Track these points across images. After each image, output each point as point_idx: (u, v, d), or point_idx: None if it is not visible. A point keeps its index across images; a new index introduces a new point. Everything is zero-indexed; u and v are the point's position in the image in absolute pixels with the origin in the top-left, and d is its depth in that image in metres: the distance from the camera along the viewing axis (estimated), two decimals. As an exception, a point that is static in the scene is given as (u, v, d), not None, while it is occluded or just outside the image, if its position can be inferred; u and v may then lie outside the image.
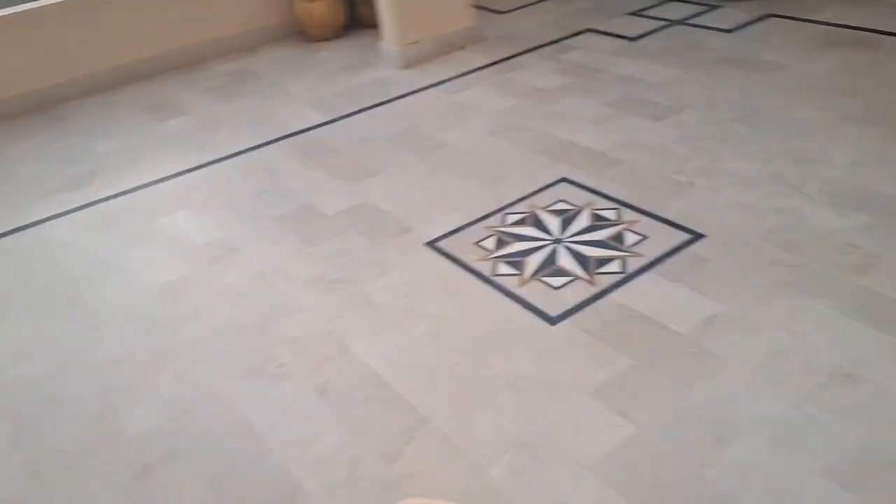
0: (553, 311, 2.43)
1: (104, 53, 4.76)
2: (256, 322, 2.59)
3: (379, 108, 4.16)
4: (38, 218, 3.43)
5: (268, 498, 1.91)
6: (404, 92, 4.31)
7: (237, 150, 3.88)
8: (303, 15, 5.16)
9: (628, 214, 2.88)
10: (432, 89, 4.30)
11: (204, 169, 3.74)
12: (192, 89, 4.70)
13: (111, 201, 3.52)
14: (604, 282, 2.53)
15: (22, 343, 2.64)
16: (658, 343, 2.24)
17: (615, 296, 2.46)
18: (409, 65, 4.61)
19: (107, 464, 2.08)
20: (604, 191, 3.06)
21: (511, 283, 2.59)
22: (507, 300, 2.52)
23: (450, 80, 4.38)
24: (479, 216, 3.02)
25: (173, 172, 3.72)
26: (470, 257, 2.77)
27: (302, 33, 5.33)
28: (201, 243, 3.10)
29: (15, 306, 2.85)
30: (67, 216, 3.42)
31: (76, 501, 1.98)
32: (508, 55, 4.57)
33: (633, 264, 2.60)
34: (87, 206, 3.49)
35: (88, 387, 2.38)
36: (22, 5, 4.51)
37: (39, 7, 4.54)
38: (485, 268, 2.70)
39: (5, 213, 3.50)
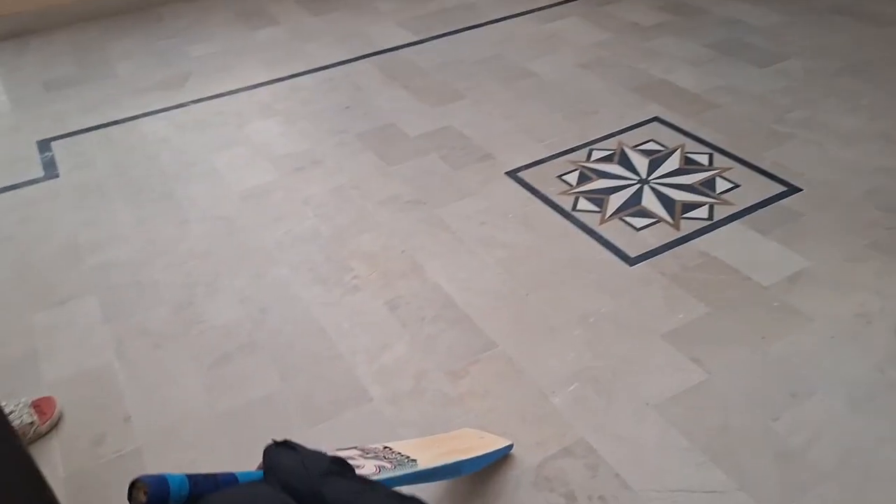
0: (632, 252, 2.38)
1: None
2: (333, 234, 2.63)
3: (469, 32, 4.08)
4: (134, 113, 3.53)
5: (335, 397, 1.97)
6: (495, 17, 4.20)
7: (325, 63, 3.88)
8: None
9: (721, 161, 2.78)
10: (524, 16, 4.18)
11: (292, 80, 3.76)
12: (283, 2, 4.70)
13: (202, 104, 3.59)
14: (688, 227, 2.46)
15: (116, 228, 2.76)
16: (739, 293, 2.18)
17: (699, 242, 2.39)
18: (503, -10, 4.48)
19: (188, 348, 2.18)
20: (698, 134, 2.95)
21: (591, 220, 2.55)
22: (585, 236, 2.48)
23: (543, 8, 4.24)
24: (563, 149, 2.96)
25: (262, 81, 3.76)
26: (550, 190, 2.73)
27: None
28: (285, 153, 3.14)
29: (112, 193, 2.97)
30: (161, 114, 3.51)
31: (159, 378, 2.09)
32: (608, -14, 4.39)
33: (722, 212, 2.51)
34: (179, 106, 3.57)
35: (174, 276, 2.48)
36: None
37: None
38: (565, 202, 2.66)
39: (106, 106, 3.61)
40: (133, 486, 0.97)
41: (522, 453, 1.78)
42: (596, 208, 2.61)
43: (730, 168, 2.73)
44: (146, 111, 3.54)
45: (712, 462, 1.71)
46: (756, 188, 2.61)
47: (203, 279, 2.46)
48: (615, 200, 2.64)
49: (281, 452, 1.15)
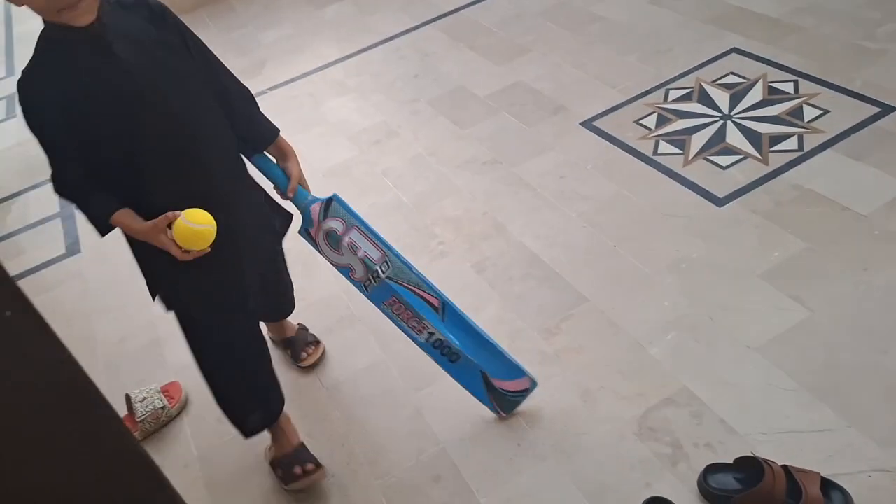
0: (720, 192, 2.32)
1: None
2: (416, 202, 2.68)
3: (530, -17, 3.99)
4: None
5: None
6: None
7: (391, 34, 3.90)
8: None
9: (808, 87, 2.65)
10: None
11: (361, 54, 3.80)
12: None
13: (280, 88, 3.68)
14: (778, 160, 2.38)
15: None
16: (837, 225, 2.10)
17: (790, 175, 2.31)
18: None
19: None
20: (780, 61, 2.81)
21: (674, 163, 2.50)
22: (669, 180, 2.44)
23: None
24: (638, 93, 2.89)
25: (333, 59, 3.82)
26: (629, 136, 2.68)
27: None
28: (361, 127, 3.20)
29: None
30: (239, 103, 3.63)
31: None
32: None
33: (812, 141, 2.41)
34: (258, 93, 3.67)
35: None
36: None
37: None
38: (645, 147, 2.61)
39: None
40: None
41: (623, 406, 1.80)
42: (678, 150, 2.55)
43: (817, 94, 2.60)
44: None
45: (820, 401, 1.68)
46: (848, 112, 2.48)
47: (298, 258, 2.55)
48: (698, 140, 2.57)
49: None
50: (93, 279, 2.75)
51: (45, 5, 1.26)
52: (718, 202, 2.29)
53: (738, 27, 3.08)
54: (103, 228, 1.44)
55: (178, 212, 1.37)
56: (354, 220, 1.74)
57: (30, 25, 5.29)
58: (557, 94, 3.03)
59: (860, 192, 2.17)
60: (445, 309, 1.76)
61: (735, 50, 2.95)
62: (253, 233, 1.67)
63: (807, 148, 2.39)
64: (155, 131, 1.40)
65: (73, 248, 2.95)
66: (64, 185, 1.42)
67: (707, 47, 3.02)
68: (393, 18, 4.04)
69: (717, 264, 2.09)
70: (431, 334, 1.75)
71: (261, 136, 1.68)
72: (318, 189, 2.85)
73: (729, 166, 2.41)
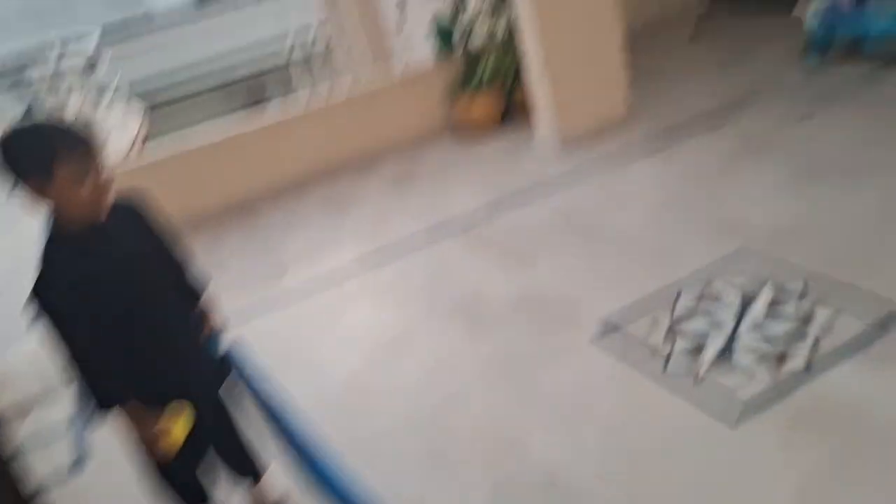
0: (734, 410, 2.28)
1: (294, 161, 5.31)
2: (431, 414, 2.65)
3: (538, 196, 4.24)
4: (237, 312, 3.77)
5: None
6: (562, 178, 4.36)
7: (407, 243, 4.09)
8: (463, 114, 5.44)
9: (817, 291, 2.68)
10: (591, 173, 4.32)
11: (379, 262, 3.96)
12: (366, 187, 5.06)
13: (300, 295, 3.81)
14: (794, 366, 2.36)
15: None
16: (863, 435, 2.04)
17: (809, 383, 2.28)
18: (565, 152, 4.68)
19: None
20: (787, 266, 2.88)
21: (686, 380, 2.48)
22: (684, 394, 2.41)
23: (608, 162, 4.39)
24: (649, 300, 2.95)
25: (352, 265, 3.98)
26: (639, 348, 2.69)
27: (462, 130, 5.61)
28: (378, 333, 3.26)
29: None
30: (262, 310, 3.74)
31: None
32: (667, 133, 4.52)
33: (827, 346, 2.41)
34: (278, 301, 3.81)
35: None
36: (228, 132, 5.20)
37: (243, 131, 5.21)
38: (656, 360, 2.61)
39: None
40: None
41: None
42: (691, 361, 2.54)
43: (827, 297, 2.63)
44: (248, 309, 3.78)
45: None
46: (861, 316, 2.49)
47: (309, 477, 2.50)
48: (710, 349, 2.57)
49: None
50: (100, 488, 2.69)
51: (80, 205, 1.67)
52: (735, 418, 2.24)
53: (744, 232, 3.20)
54: (105, 408, 1.77)
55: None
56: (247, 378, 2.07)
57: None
58: (569, 303, 3.10)
59: (883, 399, 2.13)
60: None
61: (740, 255, 3.05)
62: (201, 378, 2.02)
63: (823, 353, 2.37)
64: (129, 304, 1.79)
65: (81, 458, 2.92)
66: (76, 362, 1.72)
67: (713, 254, 3.11)
68: (410, 226, 4.26)
69: (739, 488, 2.01)
70: None
71: (193, 296, 2.07)
72: (336, 402, 2.86)
73: (744, 374, 2.39)
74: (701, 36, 6.33)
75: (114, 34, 14.07)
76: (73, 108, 7.38)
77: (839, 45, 4.90)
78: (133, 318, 1.81)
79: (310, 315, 3.60)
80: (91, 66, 6.82)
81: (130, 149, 5.60)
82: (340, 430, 2.71)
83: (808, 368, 2.35)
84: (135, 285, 1.81)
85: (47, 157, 1.63)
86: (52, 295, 1.67)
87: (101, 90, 7.30)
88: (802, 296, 2.68)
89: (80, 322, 1.70)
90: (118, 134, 5.85)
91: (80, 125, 1.69)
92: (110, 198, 1.73)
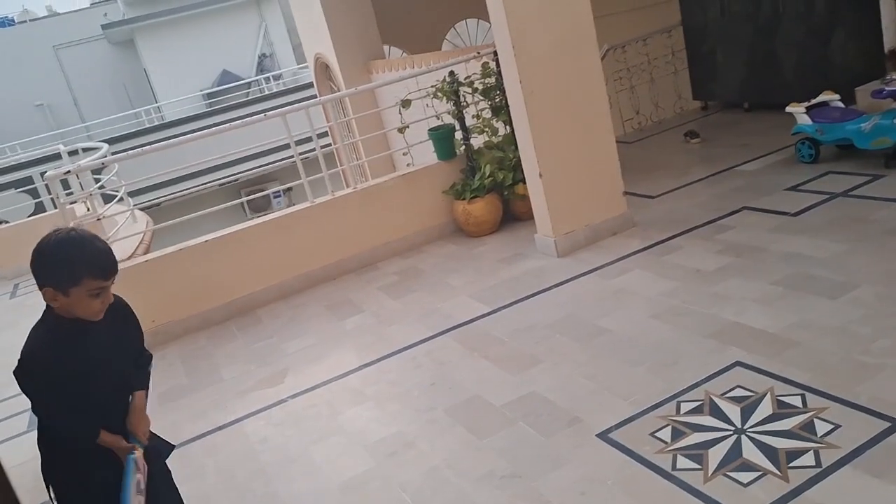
0: (749, 501, 2.27)
1: (292, 263, 5.36)
2: (434, 521, 2.61)
3: (537, 297, 4.31)
4: (237, 416, 3.75)
5: None
6: (561, 279, 4.45)
7: (408, 343, 4.11)
8: (462, 215, 5.58)
9: (815, 401, 2.72)
10: (589, 276, 4.42)
11: (379, 363, 3.98)
12: (366, 289, 5.12)
13: (299, 397, 3.80)
14: (798, 477, 2.36)
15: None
16: (871, 549, 2.02)
17: (813, 494, 2.28)
18: (564, 253, 4.79)
19: None
20: (784, 375, 2.92)
21: (694, 479, 2.48)
22: (692, 498, 2.40)
23: (606, 265, 4.49)
24: (650, 405, 2.96)
25: (352, 368, 3.99)
26: (646, 450, 2.69)
27: (462, 231, 5.74)
28: (378, 437, 3.24)
29: (219, 502, 3.07)
30: (262, 413, 3.72)
31: None
32: (663, 238, 4.64)
33: (829, 457, 2.41)
34: (278, 403, 3.79)
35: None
36: (229, 229, 5.29)
37: (243, 229, 5.30)
38: (663, 461, 2.61)
39: (213, 411, 3.87)
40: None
41: None
42: (697, 465, 2.54)
43: (826, 408, 2.66)
44: (248, 412, 3.76)
45: None
46: (859, 427, 2.52)
47: None
48: (715, 455, 2.57)
49: None
50: None
51: (96, 311, 1.99)
52: (744, 522, 2.23)
53: (739, 341, 3.25)
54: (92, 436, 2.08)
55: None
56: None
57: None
58: (571, 405, 3.11)
59: (888, 513, 2.13)
60: None
61: (739, 363, 3.09)
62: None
63: (825, 464, 2.39)
64: (110, 387, 2.14)
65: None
66: (68, 424, 2.05)
67: (712, 360, 3.16)
68: (410, 329, 4.29)
69: None
70: None
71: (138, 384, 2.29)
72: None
73: (750, 483, 2.39)
74: (696, 135, 6.58)
75: (124, 140, 14.54)
76: (79, 209, 7.53)
77: (830, 143, 5.11)
78: (114, 388, 2.16)
79: (308, 418, 3.58)
80: (99, 169, 7.03)
81: (134, 252, 5.68)
82: (341, 536, 2.66)
83: (818, 464, 2.36)
84: (121, 365, 2.17)
85: (73, 278, 1.91)
86: (47, 371, 1.96)
87: (108, 193, 7.49)
88: (801, 410, 2.70)
89: (69, 395, 1.98)
90: (124, 237, 5.94)
91: (107, 250, 1.98)
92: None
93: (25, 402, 4.93)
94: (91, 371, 2.03)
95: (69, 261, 1.92)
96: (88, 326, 2.02)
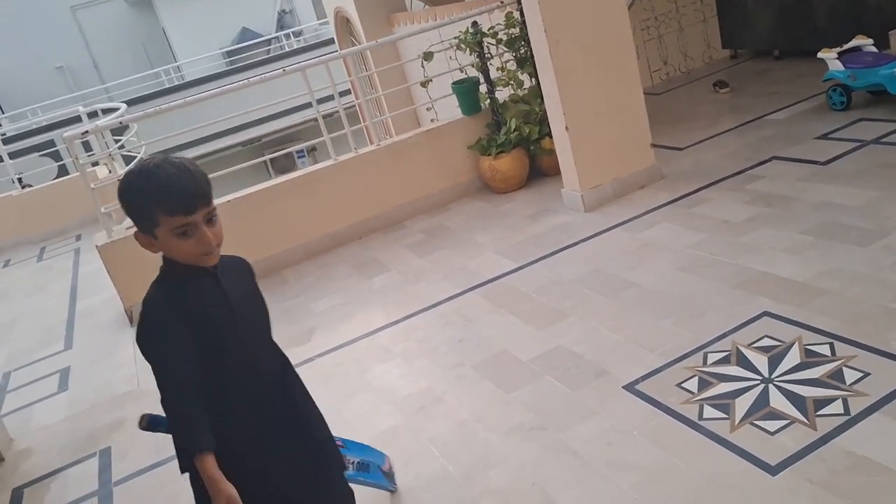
0: (772, 460, 2.29)
1: (317, 223, 5.39)
2: (462, 473, 2.67)
3: (565, 252, 4.30)
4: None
5: None
6: (588, 234, 4.43)
7: (435, 301, 4.15)
8: (488, 171, 5.55)
9: (844, 349, 2.71)
10: (616, 230, 4.39)
11: (407, 321, 4.02)
12: (393, 247, 5.15)
13: (328, 355, 3.87)
14: (826, 425, 2.36)
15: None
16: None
17: (841, 441, 2.28)
18: (591, 208, 4.76)
19: None
20: (813, 324, 2.90)
21: (721, 428, 2.50)
22: (718, 447, 2.42)
23: (633, 219, 4.45)
24: (677, 356, 2.97)
25: (380, 326, 4.04)
26: (672, 400, 2.71)
27: (488, 187, 5.71)
28: (407, 393, 3.30)
29: (250, 456, 3.16)
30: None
31: None
32: (691, 190, 4.59)
33: (858, 404, 2.41)
34: (307, 361, 3.86)
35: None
36: (251, 188, 5.31)
37: (267, 188, 5.32)
38: (690, 411, 2.63)
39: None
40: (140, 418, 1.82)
41: None
42: (723, 415, 2.56)
43: (854, 356, 2.65)
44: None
45: None
46: (889, 374, 2.50)
47: None
48: (742, 404, 2.58)
49: None
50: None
51: (195, 253, 1.66)
52: (772, 471, 2.25)
53: (767, 291, 3.23)
54: (187, 464, 1.57)
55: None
56: None
57: (92, 301, 5.78)
58: (598, 358, 3.13)
59: (918, 460, 2.13)
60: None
61: (767, 313, 3.07)
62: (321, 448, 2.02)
63: (853, 412, 2.38)
64: (237, 354, 1.75)
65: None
66: (175, 398, 1.59)
67: (739, 311, 3.15)
68: (437, 286, 4.32)
69: (779, 541, 2.01)
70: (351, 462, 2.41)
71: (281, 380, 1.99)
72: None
73: (777, 431, 2.40)
74: (725, 84, 6.44)
75: (144, 101, 14.56)
76: (101, 171, 7.61)
77: (862, 89, 4.97)
78: (248, 368, 1.77)
79: (337, 375, 3.64)
80: (121, 130, 7.08)
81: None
82: (374, 491, 2.73)
83: (847, 412, 2.37)
84: (251, 334, 1.80)
85: (149, 217, 1.62)
86: (164, 327, 1.62)
87: (129, 155, 7.55)
88: (830, 358, 2.69)
89: (188, 358, 1.61)
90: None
91: (181, 177, 1.62)
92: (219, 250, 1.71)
93: (56, 363, 5.13)
94: (213, 333, 1.68)
95: (138, 197, 1.62)
96: (204, 275, 1.71)
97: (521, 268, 4.26)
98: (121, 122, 5.89)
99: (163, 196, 1.60)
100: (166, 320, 1.62)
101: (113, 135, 7.55)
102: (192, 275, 1.69)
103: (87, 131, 5.28)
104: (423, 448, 2.87)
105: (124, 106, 7.31)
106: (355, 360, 3.76)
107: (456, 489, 2.59)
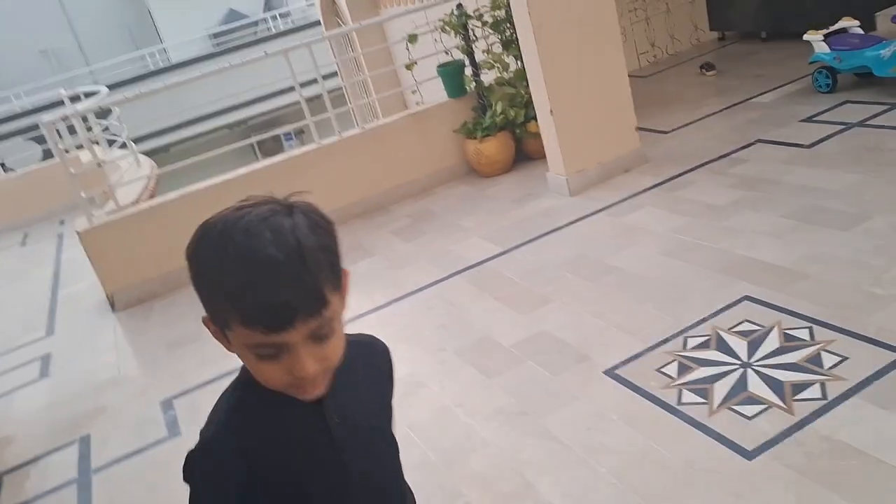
0: (749, 444, 2.30)
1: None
2: (443, 458, 2.67)
3: (549, 237, 4.29)
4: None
5: None
6: (573, 219, 4.42)
7: (419, 286, 4.13)
8: (474, 154, 5.52)
9: (823, 333, 2.71)
10: (600, 214, 4.38)
11: (390, 306, 4.01)
12: (378, 232, 5.12)
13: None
14: (803, 410, 2.37)
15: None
16: (874, 481, 2.04)
17: (818, 425, 2.29)
18: (575, 192, 4.74)
19: None
20: (792, 308, 2.91)
21: (699, 413, 2.50)
22: (696, 431, 2.42)
23: (617, 203, 4.44)
24: (658, 341, 2.97)
25: (363, 311, 4.02)
26: (652, 385, 2.72)
27: (473, 171, 5.69)
28: (389, 378, 3.28)
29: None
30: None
31: None
32: (675, 174, 4.57)
33: (835, 389, 2.42)
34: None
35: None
36: (233, 172, 5.25)
37: (249, 172, 5.26)
38: (669, 396, 2.63)
39: (220, 358, 3.86)
40: None
41: None
42: (702, 400, 2.56)
43: (833, 340, 2.65)
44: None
45: None
46: (867, 359, 2.51)
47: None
48: (720, 389, 2.59)
49: None
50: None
51: (282, 384, 1.01)
52: (748, 455, 2.26)
53: (748, 276, 3.23)
54: None
55: None
56: None
57: (74, 287, 5.72)
58: (580, 343, 3.12)
59: (892, 443, 2.14)
60: None
61: (747, 298, 3.07)
62: None
63: (831, 396, 2.39)
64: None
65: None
66: None
67: (720, 296, 3.15)
68: (422, 271, 4.30)
69: (754, 525, 2.01)
70: None
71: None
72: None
73: (755, 416, 2.41)
74: (711, 67, 6.42)
75: (129, 84, 14.40)
76: (84, 156, 7.53)
77: (848, 71, 4.96)
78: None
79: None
80: (103, 112, 6.99)
81: (139, 198, 5.69)
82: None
83: (824, 396, 2.38)
84: (362, 489, 1.14)
85: (219, 315, 1.00)
86: (207, 488, 1.08)
87: (112, 136, 7.47)
88: (809, 343, 2.70)
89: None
90: (128, 182, 5.93)
91: (311, 258, 0.97)
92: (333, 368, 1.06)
93: (37, 350, 5.14)
94: (293, 489, 1.08)
95: (204, 280, 0.99)
96: (309, 411, 1.08)
97: (505, 252, 4.25)
98: (101, 107, 5.82)
99: (238, 296, 0.95)
100: (212, 479, 1.08)
101: (98, 118, 7.47)
102: (284, 412, 1.07)
103: (66, 116, 5.21)
104: (403, 434, 2.85)
105: (105, 89, 7.21)
106: (338, 345, 3.73)
107: (436, 475, 2.59)
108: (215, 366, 3.84)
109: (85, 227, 4.83)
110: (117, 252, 4.82)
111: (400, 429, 2.92)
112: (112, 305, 4.92)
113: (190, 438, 3.05)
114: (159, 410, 3.55)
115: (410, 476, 2.64)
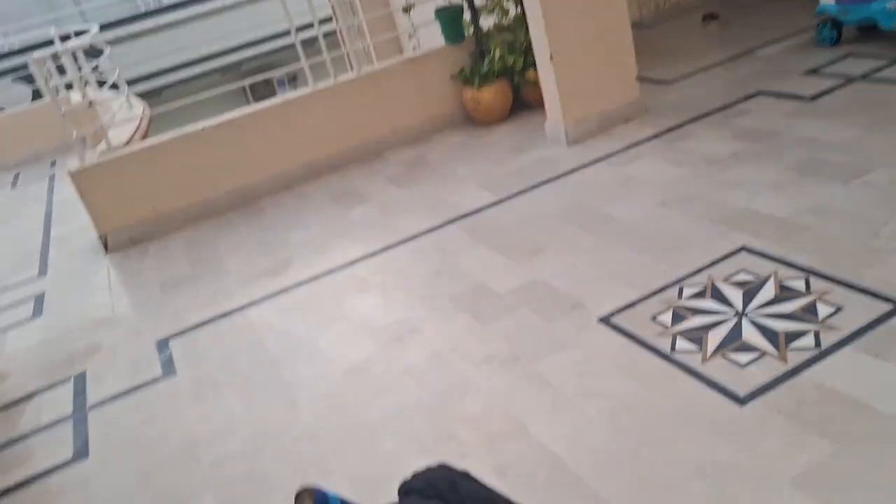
0: (741, 391, 2.31)
1: (295, 152, 5.28)
2: (436, 401, 2.68)
3: (546, 186, 4.25)
4: (242, 303, 3.80)
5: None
6: (570, 168, 4.37)
7: (413, 233, 4.10)
8: (471, 102, 5.43)
9: (819, 284, 2.70)
10: (599, 164, 4.33)
11: (384, 253, 3.98)
12: (373, 179, 5.06)
13: (304, 286, 3.83)
14: (796, 358, 2.38)
15: (226, 421, 2.91)
16: (863, 426, 2.06)
17: (810, 373, 2.30)
18: (574, 141, 4.68)
19: (305, 536, 2.22)
20: (790, 259, 2.90)
21: (693, 360, 2.51)
22: (689, 378, 2.43)
23: (616, 153, 4.39)
24: (653, 290, 2.97)
25: (357, 257, 4.00)
26: (646, 333, 2.72)
27: (470, 119, 5.60)
28: (383, 324, 3.28)
29: (221, 386, 3.16)
30: (267, 301, 3.76)
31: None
32: (676, 125, 4.51)
33: (829, 338, 2.42)
34: (283, 291, 3.83)
35: (286, 463, 2.57)
36: (228, 114, 5.16)
37: (243, 115, 5.17)
38: (663, 344, 2.63)
39: (217, 299, 3.92)
40: (300, 493, 1.34)
41: None
42: (696, 347, 2.57)
43: (828, 291, 2.65)
44: (253, 300, 3.80)
45: None
46: (861, 309, 2.51)
47: (313, 462, 2.53)
48: (714, 337, 2.59)
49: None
50: (97, 489, 2.72)
51: None
52: (740, 401, 2.27)
53: (747, 227, 3.21)
54: None
55: None
56: None
57: (66, 227, 5.68)
58: (575, 291, 3.12)
59: (882, 391, 2.15)
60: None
61: (744, 248, 3.06)
62: None
63: (824, 345, 2.40)
64: None
65: (80, 452, 2.95)
66: None
67: (717, 246, 3.13)
68: (416, 219, 4.27)
69: (744, 469, 2.03)
70: None
71: None
72: (338, 389, 2.89)
73: (748, 364, 2.41)
74: (714, 17, 6.30)
75: (120, 25, 14.05)
76: (75, 97, 7.39)
77: (853, 23, 4.87)
78: None
79: (314, 306, 3.62)
80: (94, 52, 6.83)
81: (131, 139, 5.59)
82: (347, 413, 2.75)
83: (818, 345, 2.39)
84: None
85: None
86: None
87: (103, 77, 7.32)
88: (804, 293, 2.69)
89: None
90: (120, 122, 5.82)
91: None
92: None
93: (30, 289, 5.12)
94: None
95: None
96: None
97: (501, 201, 4.21)
98: (91, 45, 5.68)
99: None
100: None
101: (89, 59, 7.31)
102: None
103: (56, 53, 5.09)
104: (398, 378, 2.88)
105: (96, 27, 7.03)
106: (332, 290, 3.73)
107: (429, 416, 2.60)
108: (211, 306, 3.84)
109: (77, 168, 4.76)
110: (110, 193, 4.76)
111: (392, 372, 2.95)
112: (105, 247, 4.89)
113: (185, 378, 3.09)
114: (154, 350, 3.55)
115: (406, 416, 2.66)
